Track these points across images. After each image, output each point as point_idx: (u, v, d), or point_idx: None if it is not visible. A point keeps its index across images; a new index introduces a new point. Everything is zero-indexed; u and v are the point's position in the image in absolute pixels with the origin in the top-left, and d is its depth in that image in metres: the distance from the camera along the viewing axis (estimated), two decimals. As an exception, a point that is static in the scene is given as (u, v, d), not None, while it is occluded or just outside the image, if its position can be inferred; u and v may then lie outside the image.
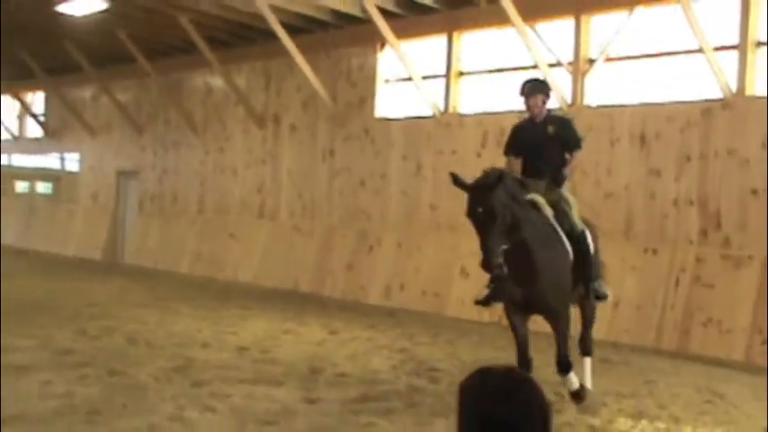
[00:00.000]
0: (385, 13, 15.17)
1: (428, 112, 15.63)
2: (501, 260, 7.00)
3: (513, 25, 13.28)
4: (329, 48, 17.34)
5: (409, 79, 15.67)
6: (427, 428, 7.07)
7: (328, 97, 17.26)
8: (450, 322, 13.00)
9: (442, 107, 15.51)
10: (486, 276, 7.64)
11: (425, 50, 15.97)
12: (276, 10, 16.13)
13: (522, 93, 8.49)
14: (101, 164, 24.66)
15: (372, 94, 16.75)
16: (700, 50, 11.87)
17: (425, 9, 15.28)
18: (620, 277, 12.27)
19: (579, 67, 13.62)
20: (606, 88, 13.50)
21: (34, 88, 27.63)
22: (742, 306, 11.20)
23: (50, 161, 27.73)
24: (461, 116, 15.26)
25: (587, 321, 8.66)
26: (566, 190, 8.39)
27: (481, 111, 15.00)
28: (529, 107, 8.44)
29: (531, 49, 13.45)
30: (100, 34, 19.59)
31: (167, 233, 21.70)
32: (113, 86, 23.43)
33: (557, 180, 8.30)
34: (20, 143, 29.17)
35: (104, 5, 16.64)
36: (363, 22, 15.78)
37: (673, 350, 11.50)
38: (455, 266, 14.30)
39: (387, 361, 10.08)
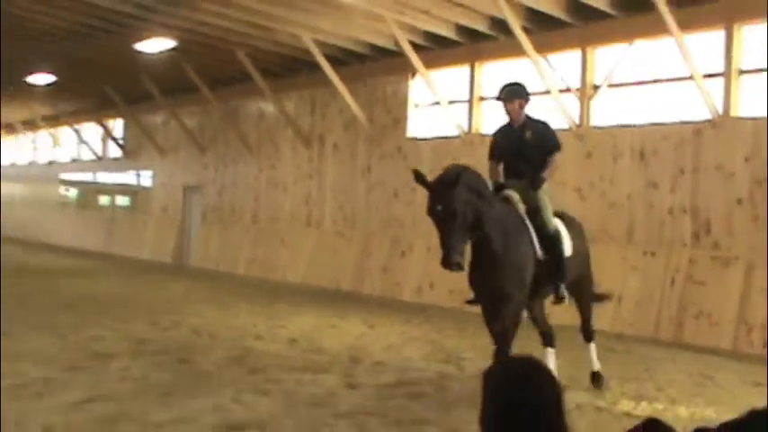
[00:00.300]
0: (415, 46, 15.19)
1: (454, 133, 15.60)
2: (460, 259, 6.30)
3: (528, 56, 13.28)
4: (366, 77, 17.37)
5: (437, 104, 15.66)
6: (454, 410, 7.03)
7: (366, 120, 17.29)
8: (475, 317, 12.79)
9: (465, 128, 15.48)
10: None
11: (451, 78, 15.95)
12: (320, 44, 16.21)
13: (500, 98, 7.76)
14: (170, 180, 24.87)
15: (404, 117, 16.76)
16: (690, 77, 11.82)
17: (450, 43, 15.28)
18: (623, 277, 12.32)
19: (585, 92, 13.57)
20: (609, 111, 13.43)
21: (115, 116, 27.93)
22: (729, 301, 11.12)
23: (128, 178, 28.00)
24: (483, 136, 15.15)
25: (583, 313, 8.18)
26: (543, 191, 7.54)
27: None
28: (507, 112, 7.71)
29: (543, 77, 13.40)
30: (169, 68, 19.77)
31: (226, 240, 21.81)
32: (180, 113, 23.62)
33: (534, 182, 7.46)
34: (103, 162, 29.51)
35: (173, 44, 16.81)
36: (396, 54, 15.81)
37: (669, 340, 11.43)
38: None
39: (419, 351, 10.05)
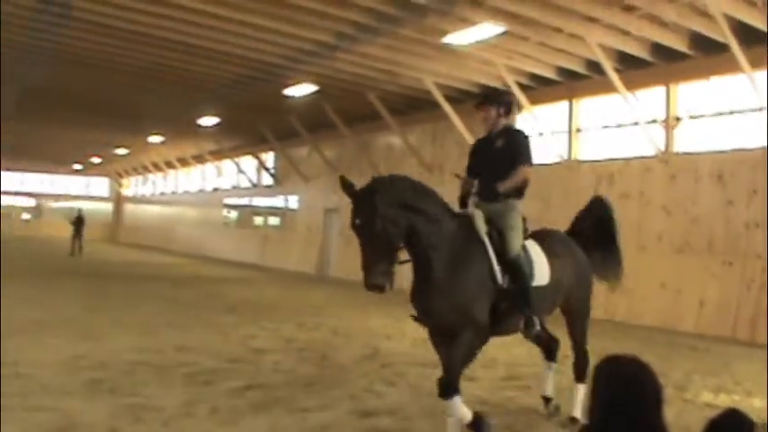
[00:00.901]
0: (521, 85, 15.13)
1: (555, 160, 15.39)
2: (382, 279, 4.79)
3: (618, 92, 13.09)
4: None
5: (540, 135, 15.47)
6: (559, 402, 6.87)
7: (478, 150, 17.24)
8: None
9: (565, 155, 15.25)
10: None
11: (552, 113, 15.77)
12: (439, 86, 16.35)
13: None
14: (313, 203, 25.45)
15: (512, 147, 16.63)
16: (761, 109, 11.53)
17: (551, 82, 15.15)
18: (704, 284, 12.11)
19: (669, 123, 13.32)
20: (690, 139, 13.15)
21: (267, 150, 28.87)
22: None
23: (278, 202, 28.80)
24: (580, 162, 14.97)
25: (575, 343, 6.43)
26: (512, 210, 5.71)
27: (595, 158, 14.71)
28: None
29: (633, 110, 13.15)
30: (312, 109, 20.33)
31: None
32: (322, 146, 24.19)
33: (489, 195, 5.63)
34: (257, 189, 30.50)
35: (315, 88, 17.30)
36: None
37: (745, 340, 11.12)
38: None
39: (526, 350, 9.87)
